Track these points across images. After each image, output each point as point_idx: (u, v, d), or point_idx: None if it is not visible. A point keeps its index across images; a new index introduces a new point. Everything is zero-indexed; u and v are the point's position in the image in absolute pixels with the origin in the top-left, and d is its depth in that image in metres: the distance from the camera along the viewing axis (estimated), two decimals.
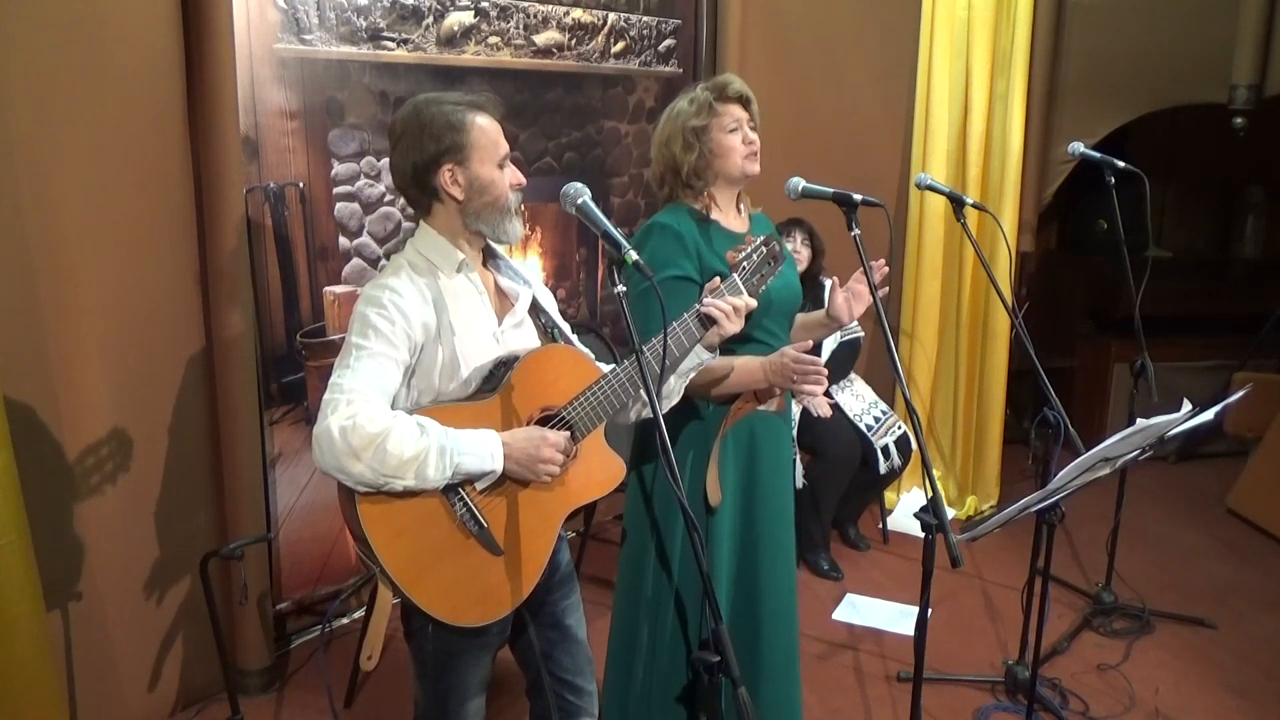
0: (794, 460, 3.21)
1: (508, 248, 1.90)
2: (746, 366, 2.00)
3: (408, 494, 1.57)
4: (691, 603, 2.06)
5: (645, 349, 1.69)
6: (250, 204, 2.70)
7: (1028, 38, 3.83)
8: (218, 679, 2.56)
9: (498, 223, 1.74)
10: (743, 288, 1.82)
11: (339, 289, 3.02)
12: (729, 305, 1.77)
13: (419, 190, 1.73)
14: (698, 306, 1.77)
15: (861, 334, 3.79)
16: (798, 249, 3.57)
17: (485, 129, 1.71)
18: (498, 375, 1.70)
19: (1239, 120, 3.81)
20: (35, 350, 2.25)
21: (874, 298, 2.05)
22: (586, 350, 1.91)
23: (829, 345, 3.66)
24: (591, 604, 3.19)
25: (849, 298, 2.11)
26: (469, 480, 1.62)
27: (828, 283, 3.67)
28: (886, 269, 2.10)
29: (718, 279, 1.82)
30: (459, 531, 1.63)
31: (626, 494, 2.17)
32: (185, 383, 2.59)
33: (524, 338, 1.82)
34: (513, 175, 1.75)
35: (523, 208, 1.78)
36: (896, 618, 3.32)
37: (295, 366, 2.97)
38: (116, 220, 2.38)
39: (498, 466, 1.61)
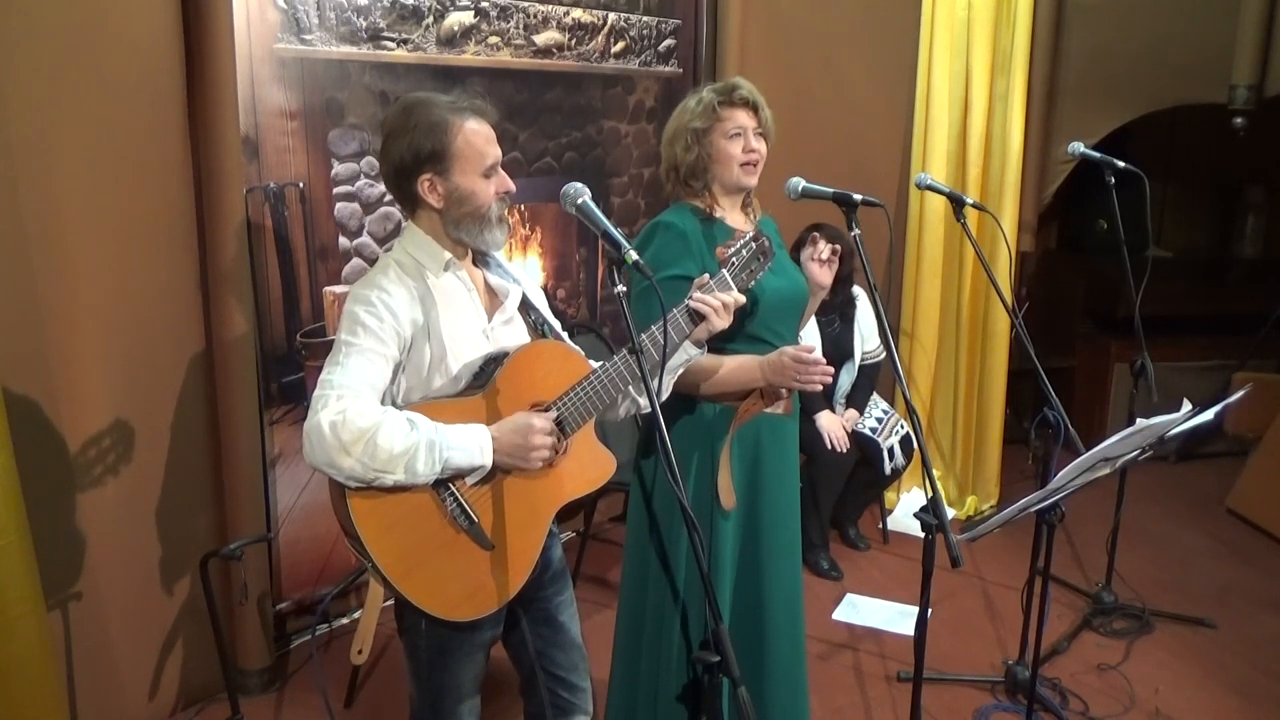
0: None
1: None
2: (744, 365, 1.99)
3: (398, 489, 1.57)
4: (695, 604, 2.05)
5: (639, 345, 1.68)
6: (250, 204, 2.70)
7: (1028, 38, 3.83)
8: (218, 679, 2.56)
9: (477, 232, 1.72)
10: (732, 284, 1.81)
11: (339, 289, 3.02)
12: (718, 301, 1.77)
13: (401, 193, 1.73)
14: (687, 302, 1.77)
15: (881, 356, 3.74)
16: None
17: (470, 139, 1.67)
18: (487, 371, 1.69)
19: (1239, 120, 3.81)
20: (35, 351, 2.25)
21: (876, 305, 2.05)
22: (576, 347, 1.91)
23: (845, 374, 3.68)
24: (592, 603, 3.21)
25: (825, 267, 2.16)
26: (459, 475, 1.62)
27: (859, 291, 3.67)
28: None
29: (707, 275, 1.81)
30: (449, 526, 1.63)
31: (629, 495, 2.17)
32: (185, 383, 2.59)
33: (514, 334, 1.81)
34: (500, 183, 1.72)
35: (507, 214, 1.76)
36: (896, 618, 3.32)
37: (295, 366, 2.97)
38: (116, 220, 2.37)
39: (486, 461, 1.61)
